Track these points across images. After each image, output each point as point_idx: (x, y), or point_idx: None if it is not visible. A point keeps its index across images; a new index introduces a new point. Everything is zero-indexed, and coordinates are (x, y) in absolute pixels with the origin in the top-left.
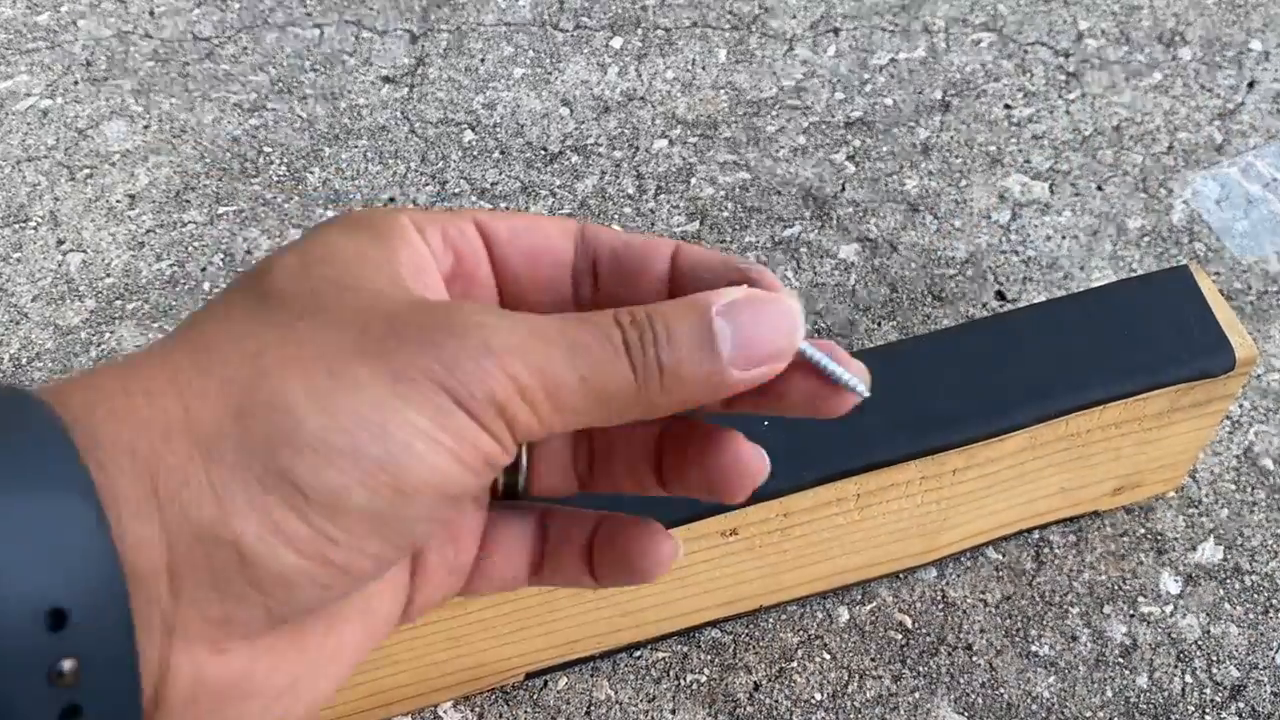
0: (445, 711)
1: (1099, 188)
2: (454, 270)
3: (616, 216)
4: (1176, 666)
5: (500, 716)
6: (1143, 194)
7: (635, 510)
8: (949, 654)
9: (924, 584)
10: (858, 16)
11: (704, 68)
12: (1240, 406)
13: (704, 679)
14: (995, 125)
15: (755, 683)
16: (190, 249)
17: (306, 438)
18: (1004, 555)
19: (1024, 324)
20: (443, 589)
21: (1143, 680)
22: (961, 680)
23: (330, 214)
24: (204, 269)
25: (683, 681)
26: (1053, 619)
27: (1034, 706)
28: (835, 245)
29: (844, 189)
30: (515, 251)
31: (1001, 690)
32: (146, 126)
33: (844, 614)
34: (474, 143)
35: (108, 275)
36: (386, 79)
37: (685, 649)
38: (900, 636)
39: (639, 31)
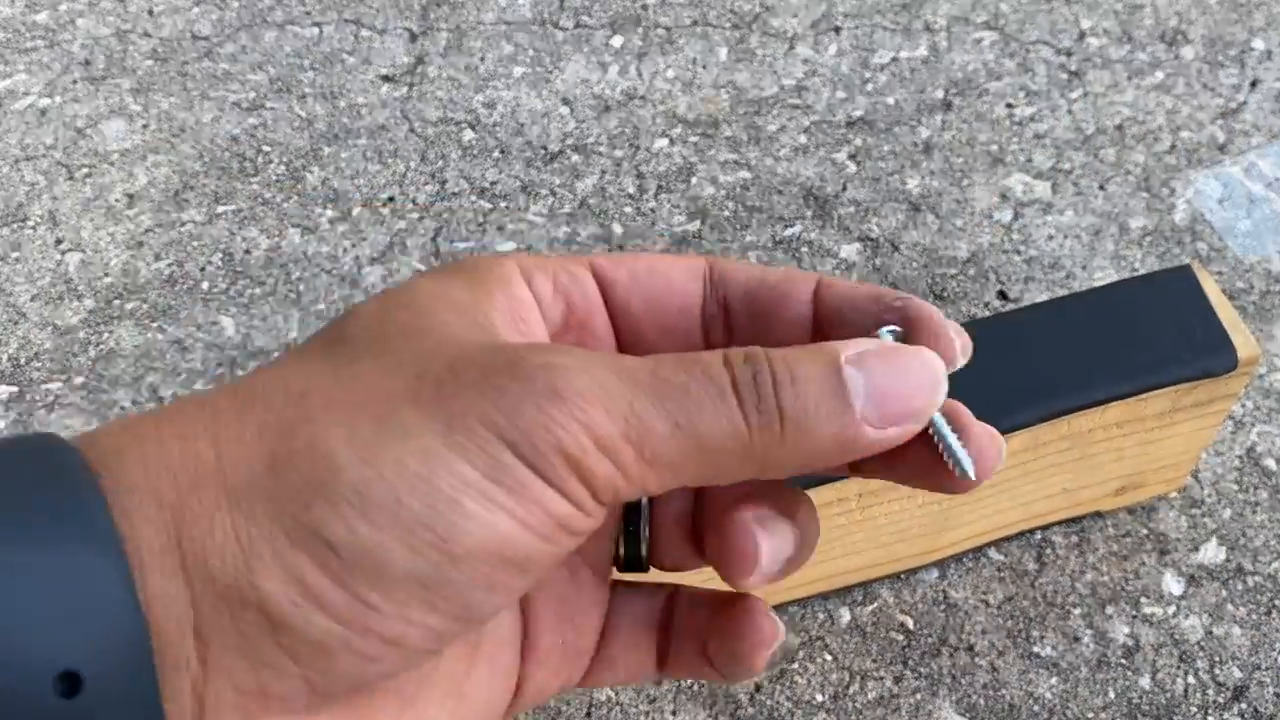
0: None
1: (1101, 187)
2: (565, 320)
3: (617, 216)
4: (1179, 667)
5: None
6: (1145, 193)
7: None
8: (951, 655)
9: (926, 585)
10: (859, 15)
11: (705, 66)
12: (1243, 406)
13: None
14: (997, 124)
15: (756, 684)
16: (189, 248)
17: (343, 489)
18: (1006, 556)
19: (1026, 324)
20: (560, 675)
21: (1145, 681)
22: (963, 681)
23: (330, 213)
24: (203, 268)
25: (683, 683)
26: (1055, 620)
27: (1036, 708)
28: (836, 245)
29: (845, 188)
30: (636, 298)
31: (1003, 691)
32: (145, 126)
33: (845, 615)
34: (474, 142)
35: (106, 275)
36: (386, 78)
37: None
38: (902, 637)
39: (639, 30)
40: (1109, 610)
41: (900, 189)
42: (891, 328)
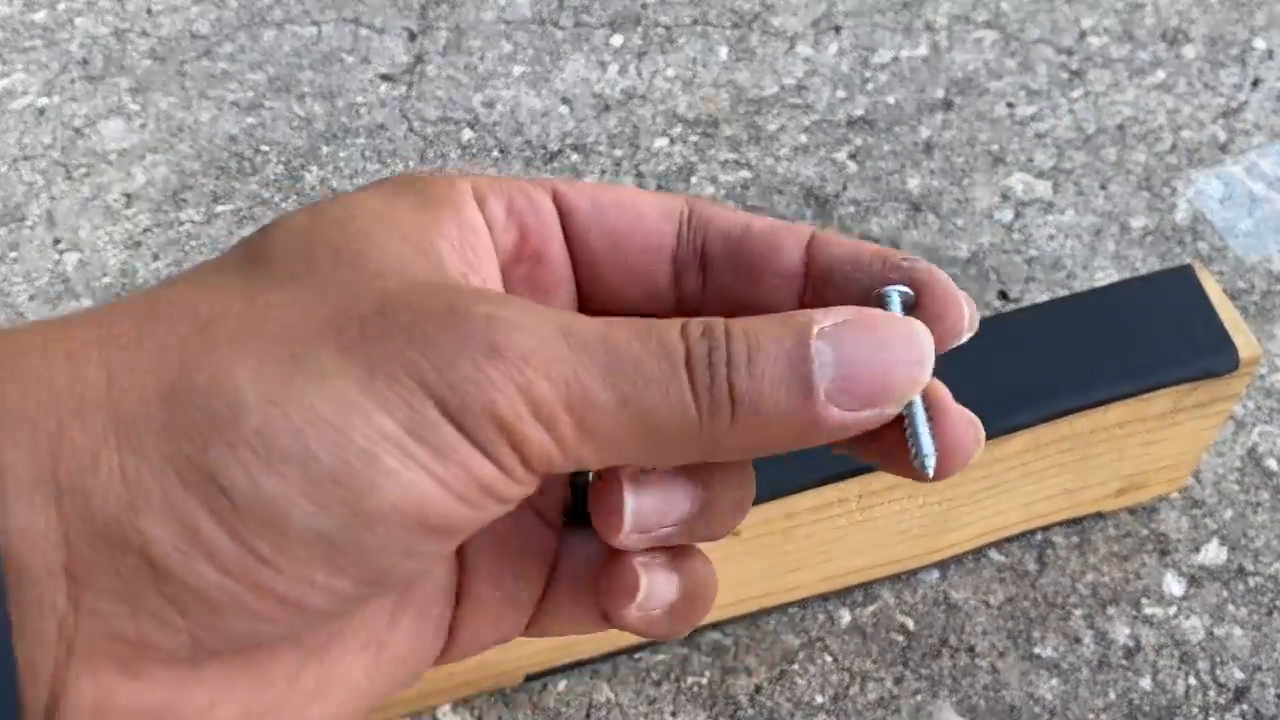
0: (444, 714)
1: (1102, 187)
2: (518, 249)
3: None
4: (1180, 668)
5: (500, 719)
6: (1146, 193)
7: None
8: (951, 656)
9: (926, 585)
10: (859, 14)
11: (705, 65)
12: (1244, 407)
13: (705, 681)
14: (998, 124)
15: (756, 685)
16: (187, 248)
17: (245, 432)
18: (1007, 557)
19: (1027, 324)
20: (498, 628)
21: (1146, 682)
22: (964, 682)
23: None
24: None
25: (683, 684)
26: (1056, 621)
27: (1037, 709)
28: None
29: (845, 188)
30: (598, 231)
31: (1004, 692)
32: (143, 125)
33: (846, 616)
34: (473, 141)
35: (104, 275)
36: (385, 77)
37: (686, 651)
38: (902, 638)
39: (639, 29)
40: (1110, 611)
41: (901, 188)
42: (900, 288)
